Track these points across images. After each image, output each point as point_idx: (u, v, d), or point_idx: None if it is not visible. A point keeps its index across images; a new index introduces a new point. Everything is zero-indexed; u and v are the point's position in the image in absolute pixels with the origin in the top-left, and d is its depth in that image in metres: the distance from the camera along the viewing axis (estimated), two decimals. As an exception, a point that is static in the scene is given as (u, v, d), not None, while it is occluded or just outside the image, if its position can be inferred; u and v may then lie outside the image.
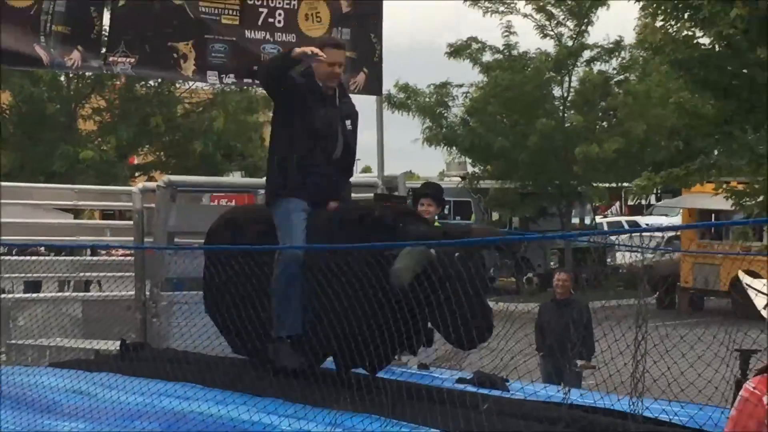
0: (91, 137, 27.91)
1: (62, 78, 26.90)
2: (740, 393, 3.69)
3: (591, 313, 11.11)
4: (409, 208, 7.67)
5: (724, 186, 18.99)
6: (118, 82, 27.27)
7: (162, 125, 26.98)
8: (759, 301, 3.74)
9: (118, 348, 8.92)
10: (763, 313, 3.72)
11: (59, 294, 12.29)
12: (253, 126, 30.35)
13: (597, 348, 9.95)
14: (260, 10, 10.09)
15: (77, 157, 25.60)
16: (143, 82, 27.40)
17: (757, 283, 3.84)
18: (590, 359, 11.04)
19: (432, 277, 6.29)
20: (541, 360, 11.54)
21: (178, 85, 27.77)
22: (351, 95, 10.29)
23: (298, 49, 7.20)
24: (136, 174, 28.41)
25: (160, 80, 26.32)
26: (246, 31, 10.02)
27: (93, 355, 9.42)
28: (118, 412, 6.93)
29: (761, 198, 17.94)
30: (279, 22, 10.15)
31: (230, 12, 9.94)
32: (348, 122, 7.39)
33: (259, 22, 10.08)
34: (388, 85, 27.91)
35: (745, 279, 3.89)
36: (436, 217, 8.33)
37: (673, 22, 17.18)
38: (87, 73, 23.36)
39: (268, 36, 10.10)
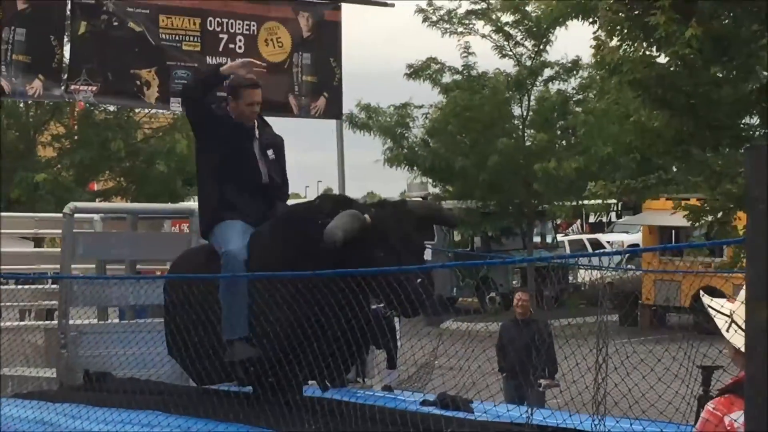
0: (51, 163, 27.72)
1: (21, 105, 26.72)
2: (702, 414, 3.73)
3: (552, 332, 11.20)
4: (348, 197, 7.69)
5: (683, 204, 19.14)
6: (77, 109, 27.11)
7: (123, 150, 26.82)
8: (719, 321, 3.78)
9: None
10: (725, 334, 3.76)
11: (20, 323, 12.18)
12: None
13: (562, 367, 10.00)
14: (220, 36, 10.11)
15: (35, 183, 25.41)
16: (102, 108, 27.24)
17: (717, 303, 3.88)
18: (553, 377, 11.11)
19: (365, 240, 6.37)
20: (504, 380, 11.59)
21: (137, 111, 27.64)
22: (311, 119, 10.40)
23: (227, 66, 7.35)
24: (97, 200, 28.23)
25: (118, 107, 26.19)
26: (207, 57, 10.03)
27: (56, 385, 9.35)
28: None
29: (720, 214, 18.09)
30: (239, 47, 10.17)
31: (191, 38, 9.95)
32: (270, 152, 7.51)
33: (220, 48, 10.10)
34: (350, 105, 28.05)
35: (705, 299, 3.92)
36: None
37: (630, 42, 17.34)
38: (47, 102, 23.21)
39: (229, 61, 10.11)
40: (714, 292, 3.99)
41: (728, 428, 3.63)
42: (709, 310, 3.82)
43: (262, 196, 7.41)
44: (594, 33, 17.79)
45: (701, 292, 3.94)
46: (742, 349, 3.54)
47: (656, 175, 19.68)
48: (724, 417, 3.65)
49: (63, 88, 9.52)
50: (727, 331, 3.71)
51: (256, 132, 7.46)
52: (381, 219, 6.55)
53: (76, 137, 27.74)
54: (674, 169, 20.53)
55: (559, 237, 36.18)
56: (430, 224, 7.76)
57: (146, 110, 26.65)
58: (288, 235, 6.90)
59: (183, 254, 8.26)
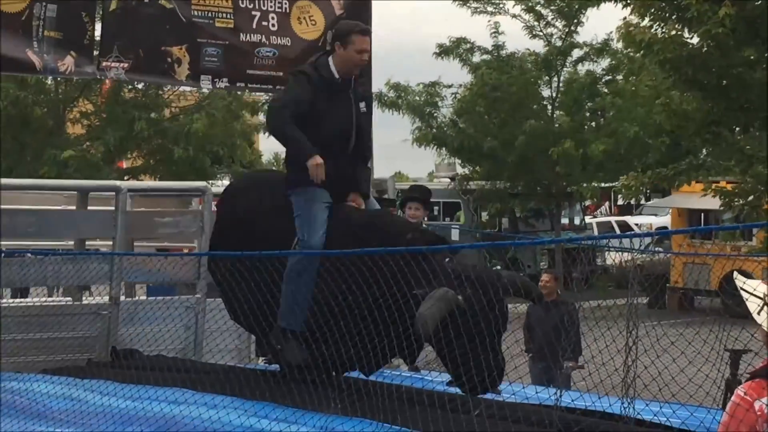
0: (80, 141, 27.78)
1: (49, 81, 26.78)
2: (732, 398, 3.68)
3: (578, 314, 11.13)
4: (439, 236, 7.42)
5: (713, 186, 19.01)
6: (106, 86, 27.15)
7: (147, 129, 26.83)
8: (751, 305, 3.71)
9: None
10: (756, 318, 3.69)
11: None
12: (240, 131, 30.25)
13: (591, 349, 9.94)
14: (253, 13, 10.06)
15: (64, 161, 25.46)
16: (130, 86, 27.26)
17: (751, 284, 3.81)
18: (577, 360, 11.05)
19: (454, 322, 6.15)
20: (530, 361, 11.55)
21: (166, 88, 27.65)
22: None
23: (313, 163, 6.86)
24: (125, 177, 28.30)
25: (147, 84, 26.21)
26: (241, 34, 9.98)
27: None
28: (109, 417, 6.92)
29: (750, 198, 17.96)
30: (273, 25, 10.11)
31: (224, 15, 9.89)
32: (362, 104, 7.28)
33: (254, 25, 10.04)
34: (379, 84, 28.00)
35: (738, 281, 3.85)
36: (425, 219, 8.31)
37: (661, 23, 17.22)
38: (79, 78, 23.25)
39: (263, 39, 10.06)
40: (746, 276, 3.91)
41: (759, 413, 3.58)
42: (742, 292, 3.76)
43: (350, 156, 7.15)
44: (624, 16, 17.67)
45: (735, 273, 3.87)
46: None
47: (687, 161, 19.54)
48: (754, 402, 3.59)
49: (95, 64, 9.52)
50: (759, 314, 3.65)
51: (352, 84, 7.20)
52: (472, 303, 6.24)
53: (104, 115, 27.79)
54: (704, 152, 20.39)
55: (587, 219, 36.05)
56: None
57: (174, 88, 26.68)
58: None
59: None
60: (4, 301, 9.95)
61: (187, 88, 25.36)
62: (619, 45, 21.97)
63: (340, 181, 7.04)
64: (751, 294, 3.72)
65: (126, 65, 9.50)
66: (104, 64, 9.47)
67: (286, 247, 6.94)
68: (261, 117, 29.25)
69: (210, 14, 9.81)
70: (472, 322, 6.16)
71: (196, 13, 9.75)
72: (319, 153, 6.85)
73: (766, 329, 3.60)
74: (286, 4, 10.21)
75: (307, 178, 6.86)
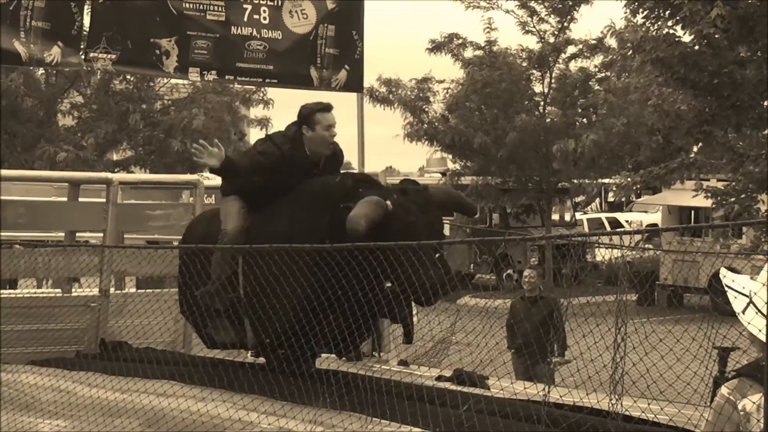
0: (71, 133, 27.74)
1: (39, 72, 26.72)
2: (717, 396, 3.68)
3: (560, 309, 11.16)
4: (369, 176, 7.73)
5: (704, 186, 19.04)
6: (95, 78, 27.13)
7: (141, 122, 26.82)
8: (737, 304, 3.70)
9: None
10: (741, 318, 3.68)
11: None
12: (232, 123, 30.29)
13: (580, 345, 9.95)
14: (245, 6, 10.06)
15: (56, 157, 25.42)
16: (121, 78, 27.23)
17: (738, 281, 3.79)
18: (563, 354, 11.08)
19: (388, 227, 6.33)
20: (513, 357, 11.57)
21: (157, 81, 27.64)
22: (332, 92, 10.33)
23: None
24: (116, 170, 28.29)
25: (138, 76, 26.18)
26: (232, 27, 9.99)
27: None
28: (98, 409, 6.91)
29: (742, 197, 17.99)
30: (264, 18, 10.11)
31: (215, 8, 9.89)
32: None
33: (245, 18, 10.04)
34: (370, 79, 27.97)
35: (726, 278, 3.83)
36: None
37: (653, 21, 17.23)
38: (65, 69, 23.21)
39: (254, 32, 10.07)
40: (734, 272, 3.89)
41: (742, 412, 3.58)
42: (728, 291, 3.75)
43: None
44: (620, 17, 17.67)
45: (722, 270, 3.85)
46: (760, 336, 3.49)
47: (679, 160, 19.56)
48: (738, 402, 3.60)
49: (82, 55, 9.50)
50: (744, 313, 3.64)
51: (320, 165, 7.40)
52: (402, 206, 6.48)
53: (94, 107, 27.74)
54: (695, 150, 20.41)
55: (578, 215, 36.07)
56: (450, 212, 7.68)
57: (166, 80, 26.67)
58: (311, 215, 6.88)
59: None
60: None
61: (181, 81, 25.34)
62: (613, 41, 22.02)
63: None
64: (739, 293, 3.71)
65: (113, 56, 9.48)
66: (91, 55, 9.44)
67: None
68: (253, 110, 29.33)
69: (202, 7, 9.81)
70: (404, 227, 6.34)
71: (187, 5, 9.74)
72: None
73: (749, 328, 3.60)
74: None
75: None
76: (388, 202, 6.44)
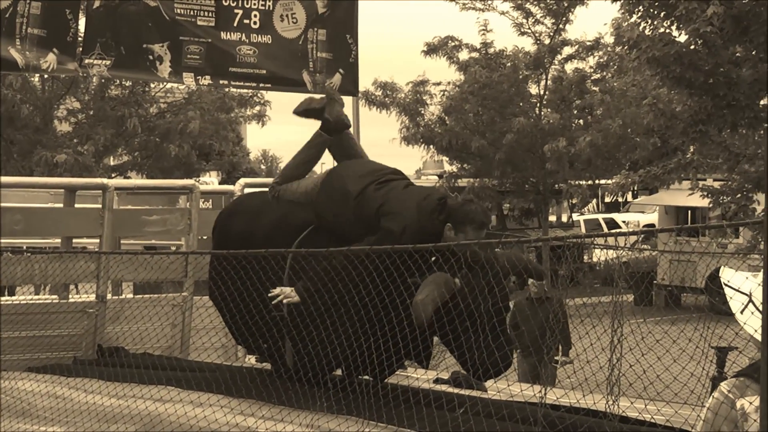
0: (67, 139, 27.70)
1: (36, 79, 26.71)
2: (714, 395, 3.68)
3: (566, 310, 11.16)
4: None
5: (700, 185, 19.07)
6: (93, 83, 27.12)
7: (138, 126, 26.81)
8: (734, 304, 3.69)
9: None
10: (738, 317, 3.68)
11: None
12: (229, 123, 30.29)
13: (576, 346, 9.96)
14: (235, 11, 10.08)
15: (54, 162, 25.39)
16: (117, 83, 27.23)
17: (737, 278, 3.77)
18: (567, 354, 11.10)
19: (454, 308, 6.02)
20: (518, 358, 11.57)
21: (153, 85, 27.62)
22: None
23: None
24: (113, 175, 28.26)
25: (134, 81, 26.17)
26: (222, 33, 10.01)
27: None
28: (95, 415, 6.91)
29: (738, 196, 18.02)
30: (255, 23, 10.13)
31: (206, 13, 9.92)
32: None
33: (235, 24, 10.07)
34: (366, 83, 27.97)
35: (724, 275, 3.82)
36: None
37: (649, 20, 17.25)
38: (61, 75, 23.21)
39: (243, 37, 10.09)
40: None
41: (740, 411, 3.58)
42: (726, 289, 3.74)
43: None
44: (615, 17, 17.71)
45: (722, 269, 3.84)
46: (757, 336, 3.48)
47: (676, 160, 19.60)
48: (737, 400, 3.60)
49: (77, 61, 9.51)
50: (741, 313, 3.63)
51: None
52: (472, 287, 6.02)
53: (91, 113, 27.73)
54: (691, 149, 20.44)
55: (575, 216, 36.08)
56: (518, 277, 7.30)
57: (161, 84, 26.66)
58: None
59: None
60: None
61: (176, 84, 25.34)
62: (611, 40, 22.03)
63: None
64: (737, 291, 3.70)
65: (108, 62, 9.51)
66: (86, 61, 9.46)
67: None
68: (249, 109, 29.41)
69: (192, 12, 9.83)
70: (474, 304, 6.01)
71: (179, 11, 9.77)
72: None
73: (746, 328, 3.59)
74: (270, 1, 10.22)
75: None
76: (456, 280, 6.05)
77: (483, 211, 6.41)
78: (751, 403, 3.54)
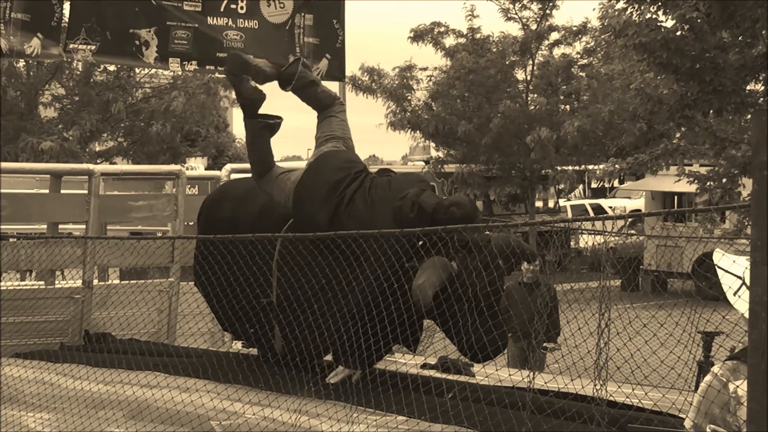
0: (53, 125, 27.60)
1: (21, 64, 26.59)
2: (706, 378, 3.68)
3: (556, 295, 11.18)
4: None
5: (686, 171, 19.12)
6: (77, 70, 27.01)
7: (123, 111, 26.73)
8: (727, 286, 3.68)
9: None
10: (730, 298, 3.67)
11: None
12: (214, 107, 30.19)
13: (564, 331, 9.98)
14: None
15: (40, 149, 25.32)
16: (102, 68, 27.13)
17: (728, 260, 3.77)
18: (556, 340, 11.11)
19: (451, 291, 5.99)
20: (509, 342, 11.58)
21: (138, 70, 27.53)
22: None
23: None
24: (98, 161, 28.19)
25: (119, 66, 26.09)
26: (208, 18, 9.96)
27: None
28: (82, 401, 6.89)
29: (724, 181, 18.06)
30: (241, 8, 10.09)
31: None
32: None
33: (222, 9, 10.02)
34: (353, 68, 27.93)
35: (716, 255, 3.81)
36: None
37: (636, 5, 17.26)
38: (45, 60, 23.11)
39: (230, 22, 10.04)
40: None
41: (732, 394, 3.58)
42: (718, 270, 3.73)
43: None
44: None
45: (716, 251, 3.84)
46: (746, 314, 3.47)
47: (663, 146, 19.63)
48: (728, 383, 3.60)
49: (61, 47, 9.44)
50: (735, 295, 3.63)
51: None
52: (467, 267, 6.03)
53: (77, 98, 27.62)
54: (677, 135, 20.48)
55: (562, 202, 36.13)
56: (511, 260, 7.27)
57: (146, 69, 26.59)
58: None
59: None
60: None
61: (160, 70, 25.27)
62: (597, 23, 22.06)
63: None
64: (727, 272, 3.69)
65: (93, 47, 9.43)
66: (71, 46, 9.39)
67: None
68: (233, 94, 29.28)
69: None
70: (470, 286, 5.97)
71: None
72: None
73: (740, 311, 3.58)
74: None
75: None
76: (453, 264, 6.06)
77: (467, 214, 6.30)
78: (739, 386, 3.54)
